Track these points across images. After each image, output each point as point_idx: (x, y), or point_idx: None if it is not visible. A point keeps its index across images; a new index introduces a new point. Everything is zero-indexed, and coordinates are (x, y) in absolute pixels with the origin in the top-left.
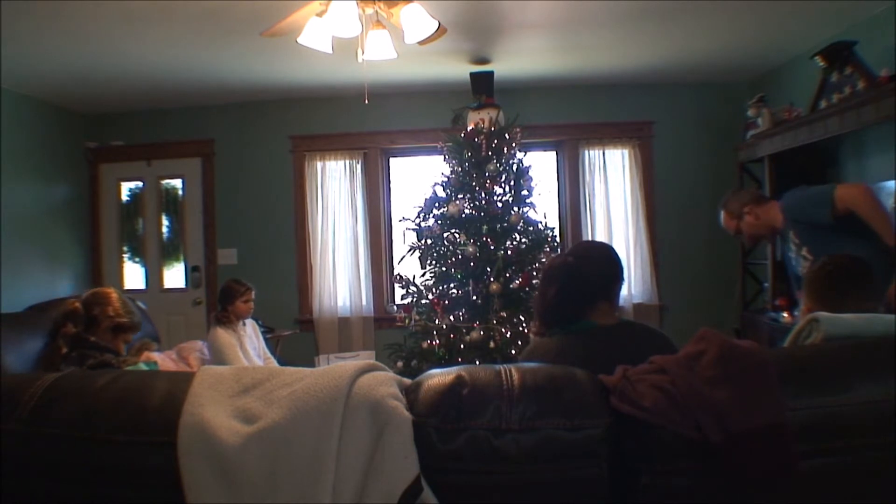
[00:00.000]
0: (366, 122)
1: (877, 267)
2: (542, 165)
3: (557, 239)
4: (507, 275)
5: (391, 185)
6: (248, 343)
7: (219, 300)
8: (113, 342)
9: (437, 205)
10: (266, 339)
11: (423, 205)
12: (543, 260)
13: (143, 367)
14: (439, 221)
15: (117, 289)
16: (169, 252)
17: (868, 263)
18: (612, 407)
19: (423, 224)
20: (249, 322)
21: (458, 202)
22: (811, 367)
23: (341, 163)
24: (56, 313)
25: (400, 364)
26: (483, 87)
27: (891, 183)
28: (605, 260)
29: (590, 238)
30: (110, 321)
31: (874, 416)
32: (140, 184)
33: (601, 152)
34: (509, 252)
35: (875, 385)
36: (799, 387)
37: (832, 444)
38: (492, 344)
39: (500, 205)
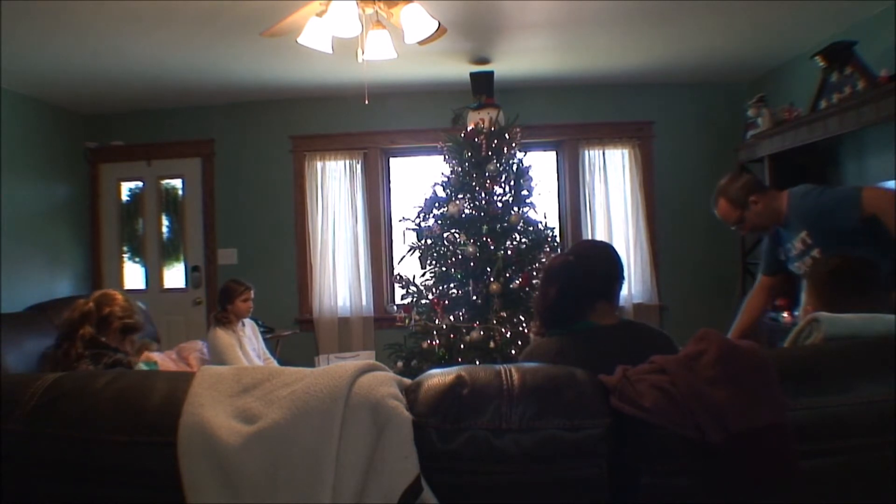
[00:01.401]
0: (366, 122)
1: (890, 273)
2: (542, 165)
3: (557, 239)
4: (507, 275)
5: (391, 185)
6: (248, 343)
7: (218, 300)
8: (122, 343)
9: (437, 205)
10: (266, 340)
11: (423, 205)
12: (543, 260)
13: (143, 367)
14: (439, 221)
15: (120, 290)
16: (169, 252)
17: (873, 265)
18: (613, 407)
19: (423, 224)
20: (249, 322)
21: (458, 202)
22: (811, 367)
23: (341, 163)
24: (70, 315)
25: (400, 364)
26: (483, 87)
27: (891, 183)
28: (605, 259)
29: (590, 238)
30: (120, 322)
31: (874, 416)
32: (140, 184)
33: (601, 152)
34: (509, 252)
35: (875, 385)
36: (799, 387)
37: (832, 445)
38: (492, 344)
39: (500, 205)
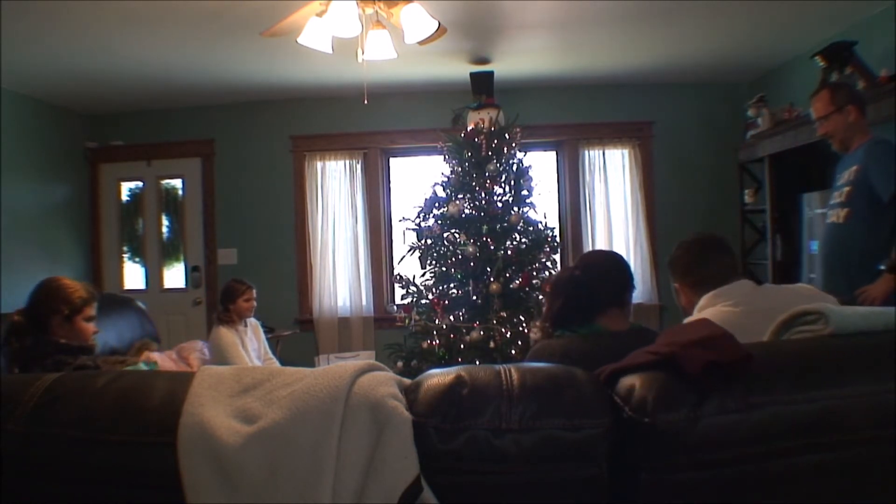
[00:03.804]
0: (366, 122)
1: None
2: (542, 165)
3: (557, 239)
4: (507, 275)
5: (391, 185)
6: (249, 343)
7: (220, 299)
8: (73, 330)
9: (437, 205)
10: (266, 339)
11: (423, 205)
12: (543, 260)
13: (143, 367)
14: (439, 221)
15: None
16: (169, 252)
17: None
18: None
19: (423, 224)
20: (251, 322)
21: (458, 202)
22: (808, 360)
23: (341, 163)
24: (2, 330)
25: (400, 364)
26: (483, 87)
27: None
28: (613, 270)
29: (590, 238)
30: (60, 315)
31: (872, 410)
32: (140, 184)
33: (601, 152)
34: (509, 252)
35: (873, 379)
36: (796, 380)
37: (830, 439)
38: (492, 344)
39: (500, 205)
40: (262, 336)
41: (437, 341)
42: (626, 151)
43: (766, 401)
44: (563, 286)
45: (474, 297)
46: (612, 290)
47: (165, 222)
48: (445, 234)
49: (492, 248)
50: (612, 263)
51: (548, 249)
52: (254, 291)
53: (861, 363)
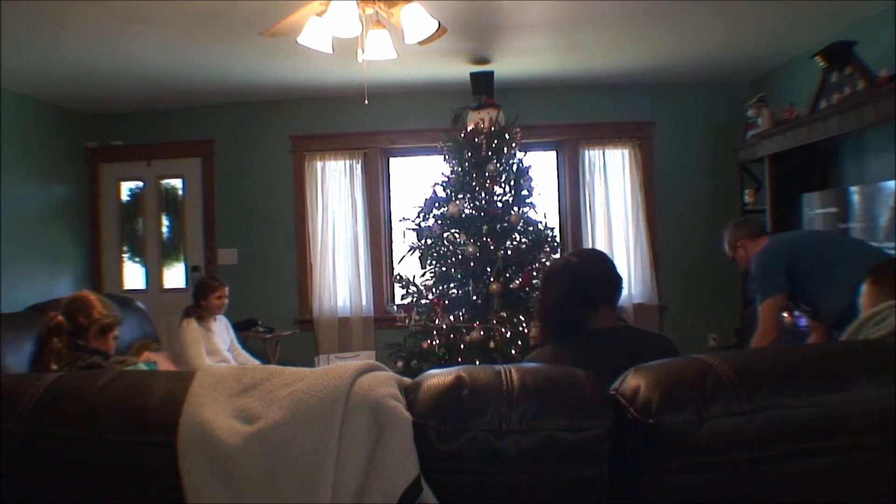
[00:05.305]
0: (366, 122)
1: None
2: (542, 165)
3: (557, 239)
4: (507, 275)
5: (391, 185)
6: (218, 337)
7: (193, 294)
8: (104, 344)
9: (437, 205)
10: (266, 339)
11: (423, 205)
12: (543, 260)
13: (143, 367)
14: (439, 221)
15: (92, 290)
16: (169, 252)
17: None
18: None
19: (423, 224)
20: (221, 318)
21: (458, 202)
22: (814, 365)
23: (341, 163)
24: (40, 327)
25: (400, 364)
26: (483, 87)
27: (891, 183)
28: (607, 263)
29: (590, 239)
30: (97, 324)
31: (877, 414)
32: (140, 184)
33: (601, 152)
34: (509, 252)
35: (878, 383)
36: (802, 384)
37: (835, 443)
38: (492, 344)
39: (500, 205)
40: (232, 332)
41: (437, 341)
42: (626, 151)
43: (772, 404)
44: (560, 274)
45: (474, 297)
46: (606, 284)
47: (165, 222)
48: (445, 234)
49: (492, 248)
50: (604, 257)
51: (548, 249)
52: (226, 289)
53: (867, 368)
